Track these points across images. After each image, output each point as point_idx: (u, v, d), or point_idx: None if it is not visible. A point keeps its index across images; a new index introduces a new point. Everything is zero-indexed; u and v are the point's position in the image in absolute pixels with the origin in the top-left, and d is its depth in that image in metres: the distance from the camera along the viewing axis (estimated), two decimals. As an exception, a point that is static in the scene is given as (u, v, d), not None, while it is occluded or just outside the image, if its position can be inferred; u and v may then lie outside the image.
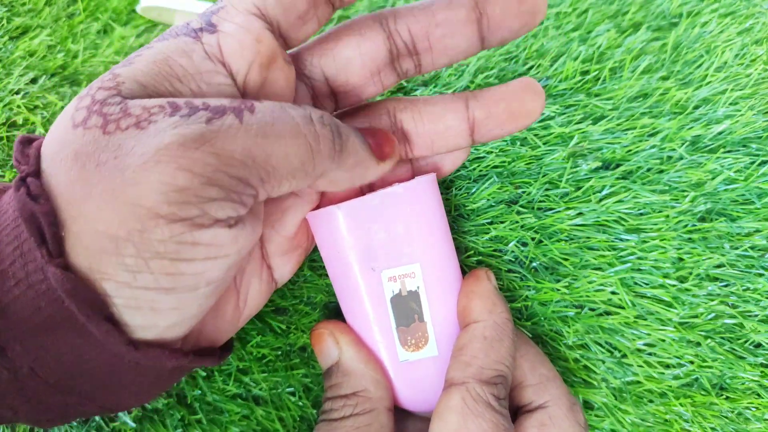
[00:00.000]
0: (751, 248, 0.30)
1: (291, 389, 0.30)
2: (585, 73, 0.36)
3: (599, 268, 0.31)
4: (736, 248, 0.30)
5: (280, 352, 0.30)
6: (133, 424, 0.30)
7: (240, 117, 0.19)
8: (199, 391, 0.30)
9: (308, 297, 0.31)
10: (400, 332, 0.26)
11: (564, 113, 0.34)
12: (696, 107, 0.34)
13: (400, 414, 0.28)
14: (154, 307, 0.19)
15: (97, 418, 0.30)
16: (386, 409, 0.25)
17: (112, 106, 0.19)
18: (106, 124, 0.19)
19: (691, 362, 0.30)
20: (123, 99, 0.19)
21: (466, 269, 0.31)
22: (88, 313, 0.18)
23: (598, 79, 0.35)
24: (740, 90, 0.34)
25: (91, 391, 0.21)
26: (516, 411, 0.27)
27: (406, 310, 0.26)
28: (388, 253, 0.25)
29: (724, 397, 0.30)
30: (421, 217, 0.26)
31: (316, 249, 0.31)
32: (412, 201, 0.25)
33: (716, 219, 0.31)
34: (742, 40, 0.37)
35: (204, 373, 0.30)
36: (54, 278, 0.18)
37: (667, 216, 0.31)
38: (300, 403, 0.30)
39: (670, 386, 0.30)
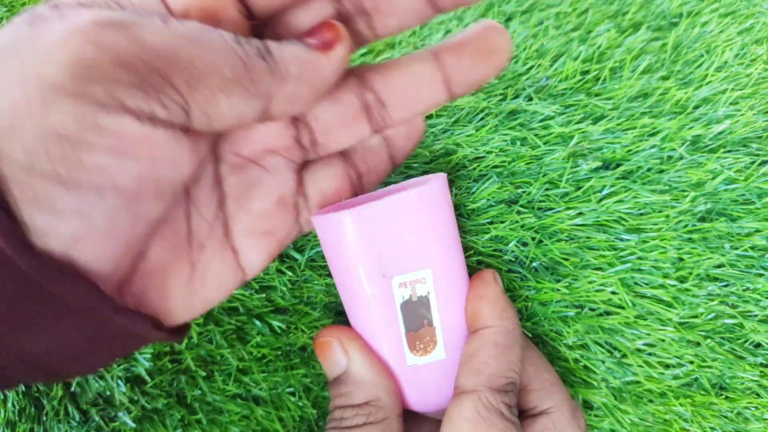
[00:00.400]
0: (751, 248, 0.30)
1: (291, 389, 0.30)
2: (585, 72, 0.36)
3: (599, 268, 0.31)
4: (736, 248, 0.30)
5: (280, 352, 0.30)
6: (133, 424, 0.29)
7: (166, 21, 0.18)
8: (199, 391, 0.30)
9: (308, 297, 0.31)
10: (409, 337, 0.25)
11: (564, 113, 0.34)
12: (696, 107, 0.34)
13: (408, 415, 0.28)
14: (54, 206, 0.17)
15: (96, 418, 0.30)
16: (397, 416, 0.25)
17: (44, 9, 0.18)
18: (33, 20, 0.18)
19: (691, 362, 0.30)
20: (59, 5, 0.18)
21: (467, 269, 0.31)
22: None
23: (599, 78, 0.35)
24: (740, 90, 0.34)
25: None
26: (519, 415, 0.27)
27: (416, 315, 0.25)
28: (398, 258, 0.25)
29: (723, 396, 0.30)
30: (432, 221, 0.25)
31: (314, 248, 0.31)
32: (424, 204, 0.25)
33: (716, 219, 0.31)
34: (742, 40, 0.37)
35: (204, 373, 0.30)
36: (23, 260, 0.16)
37: (668, 216, 0.31)
38: (300, 403, 0.30)
39: (670, 386, 0.30)
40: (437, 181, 0.25)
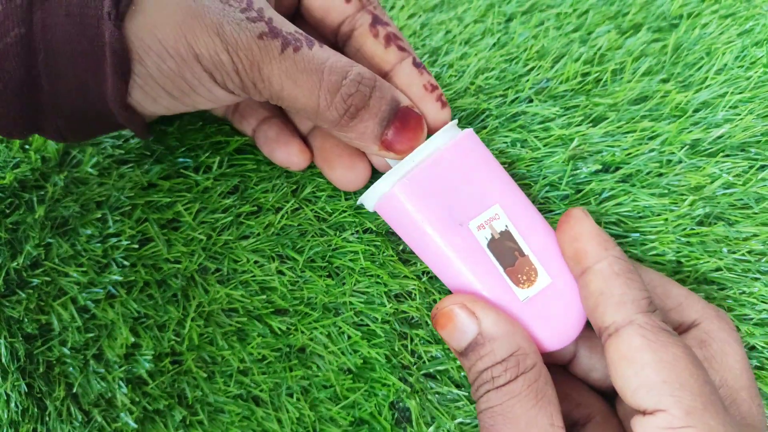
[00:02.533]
0: (749, 252, 0.31)
1: (289, 391, 0.30)
2: (586, 74, 0.36)
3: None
4: (734, 252, 0.31)
5: (280, 353, 0.31)
6: (135, 425, 0.30)
7: (284, 48, 0.24)
8: (200, 392, 0.30)
9: (308, 298, 0.31)
10: (510, 273, 0.26)
11: (564, 115, 0.34)
12: (696, 110, 0.34)
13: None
14: (156, 100, 0.26)
15: (99, 418, 0.30)
16: (541, 359, 0.25)
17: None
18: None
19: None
20: None
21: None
22: (117, 74, 0.24)
23: (599, 81, 0.35)
24: (740, 93, 0.34)
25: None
26: None
27: (505, 250, 0.26)
28: (465, 206, 0.26)
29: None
30: (478, 164, 0.26)
31: (313, 248, 0.31)
32: (462, 155, 0.26)
33: (715, 223, 0.31)
34: (742, 42, 0.37)
35: (205, 374, 0.30)
36: (109, 32, 0.23)
37: (666, 219, 0.31)
38: (298, 405, 0.30)
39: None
40: (465, 134, 0.27)
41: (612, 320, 0.23)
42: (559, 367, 0.30)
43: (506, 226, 0.26)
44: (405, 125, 0.25)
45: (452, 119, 0.29)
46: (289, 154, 0.30)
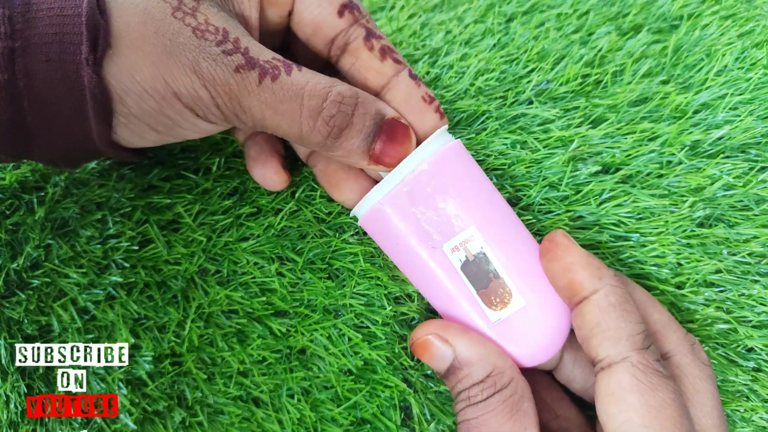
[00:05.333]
0: (749, 254, 0.31)
1: (290, 392, 0.30)
2: (586, 76, 0.35)
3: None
4: (734, 254, 0.31)
5: (280, 355, 0.31)
6: (134, 426, 0.30)
7: (262, 78, 0.24)
8: (200, 393, 0.30)
9: (308, 300, 0.31)
10: (482, 296, 0.26)
11: (564, 116, 0.34)
12: (696, 112, 0.34)
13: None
14: (142, 136, 0.26)
15: (98, 419, 0.30)
16: (518, 373, 0.25)
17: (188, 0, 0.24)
18: (177, 11, 0.24)
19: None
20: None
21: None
22: (99, 117, 0.25)
23: (599, 82, 0.35)
24: (740, 95, 0.34)
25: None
26: None
27: (480, 272, 0.26)
28: (440, 226, 0.26)
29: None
30: (458, 181, 0.26)
31: (312, 250, 0.31)
32: (443, 169, 0.26)
33: (715, 225, 0.31)
34: (743, 44, 0.37)
35: (204, 376, 0.30)
36: (88, 78, 0.24)
37: (666, 221, 0.31)
38: (299, 406, 0.30)
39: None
40: (448, 147, 0.26)
41: (606, 354, 0.24)
42: (544, 374, 0.30)
43: (481, 248, 0.26)
44: (391, 137, 0.25)
45: (451, 123, 0.29)
46: (264, 175, 0.30)
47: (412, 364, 0.30)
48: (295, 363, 0.31)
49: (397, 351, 0.30)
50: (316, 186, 0.32)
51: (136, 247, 0.31)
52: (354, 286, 0.31)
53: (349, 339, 0.30)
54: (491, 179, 0.33)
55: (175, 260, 0.31)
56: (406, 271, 0.28)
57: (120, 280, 0.31)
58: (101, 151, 0.27)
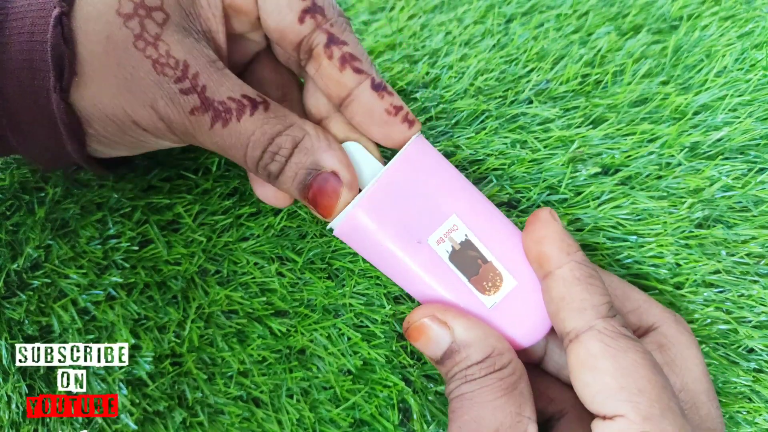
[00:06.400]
0: (747, 255, 0.31)
1: (289, 392, 0.31)
2: (586, 76, 0.36)
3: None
4: (733, 255, 0.31)
5: (279, 355, 0.31)
6: (135, 426, 0.30)
7: (214, 123, 0.24)
8: (200, 394, 0.30)
9: (308, 300, 0.31)
10: (474, 282, 0.26)
11: (564, 116, 0.34)
12: (695, 113, 0.34)
13: None
14: (115, 149, 0.28)
15: (99, 419, 0.30)
16: (516, 356, 0.25)
17: (151, 24, 0.24)
18: (138, 39, 0.24)
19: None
20: (163, 21, 0.24)
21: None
22: (71, 137, 0.26)
23: (599, 82, 0.35)
24: (739, 96, 0.34)
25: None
26: None
27: (468, 260, 0.26)
28: (421, 221, 0.26)
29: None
30: (429, 175, 0.26)
31: (312, 250, 0.31)
32: (412, 166, 0.26)
33: (713, 226, 0.31)
34: (742, 45, 0.37)
35: (205, 376, 0.30)
36: (56, 104, 0.24)
37: (665, 222, 0.31)
38: (298, 407, 0.30)
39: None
40: (414, 142, 0.26)
41: (573, 326, 0.24)
42: (533, 366, 0.30)
43: (466, 235, 0.26)
44: (319, 192, 0.26)
45: (450, 122, 0.29)
46: (266, 194, 0.30)
47: (411, 362, 0.30)
48: (294, 363, 0.31)
49: (395, 349, 0.30)
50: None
51: (136, 248, 0.31)
52: (353, 286, 0.31)
53: (349, 338, 0.30)
54: (491, 180, 0.33)
55: (175, 260, 0.32)
56: (391, 274, 0.27)
57: (120, 280, 0.31)
58: (81, 164, 0.28)
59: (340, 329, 0.31)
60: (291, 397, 0.30)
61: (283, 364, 0.31)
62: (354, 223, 0.26)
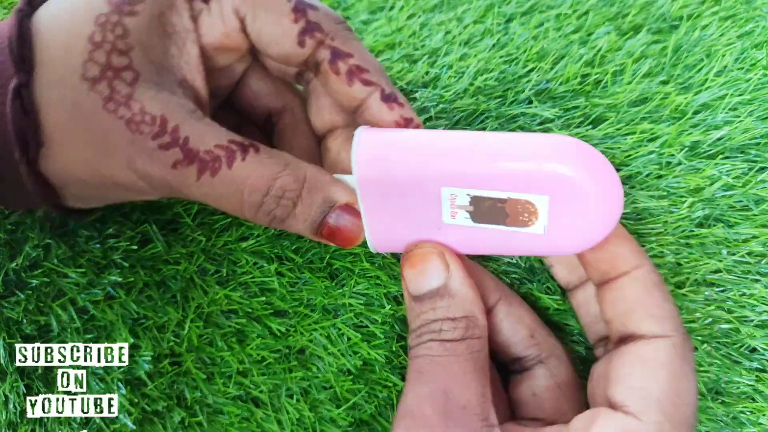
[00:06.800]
0: (748, 254, 0.31)
1: (289, 392, 0.30)
2: (586, 76, 0.35)
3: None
4: (734, 254, 0.31)
5: (279, 355, 0.31)
6: (133, 426, 0.30)
7: (201, 173, 0.23)
8: (199, 393, 0.30)
9: (308, 299, 0.31)
10: (512, 223, 0.24)
11: (564, 116, 0.34)
12: (696, 112, 0.34)
13: None
14: (95, 204, 0.28)
15: (97, 420, 0.30)
16: (487, 338, 0.25)
17: (121, 85, 0.23)
18: (109, 101, 0.23)
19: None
20: (134, 79, 0.23)
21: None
22: (46, 199, 0.25)
23: (599, 82, 0.35)
24: (740, 95, 0.34)
25: None
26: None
27: (489, 211, 0.24)
28: (425, 208, 0.25)
29: (719, 401, 0.30)
30: (394, 164, 0.24)
31: (310, 249, 0.31)
32: (372, 166, 0.24)
33: (714, 225, 0.31)
34: (742, 44, 0.37)
35: (204, 375, 0.30)
36: (25, 175, 0.24)
37: (665, 222, 0.31)
38: (298, 406, 0.30)
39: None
40: (357, 141, 0.25)
41: (648, 330, 0.23)
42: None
43: (468, 194, 0.23)
44: (338, 229, 0.25)
45: (450, 122, 0.29)
46: None
47: (411, 364, 0.30)
48: (294, 363, 0.31)
49: (395, 350, 0.30)
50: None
51: (135, 247, 0.31)
52: (353, 286, 0.31)
53: (349, 338, 0.30)
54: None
55: (175, 260, 0.31)
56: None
57: (119, 279, 0.31)
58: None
59: (339, 329, 0.31)
60: (291, 396, 0.30)
61: (283, 363, 0.30)
62: (379, 246, 0.26)
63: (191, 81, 0.25)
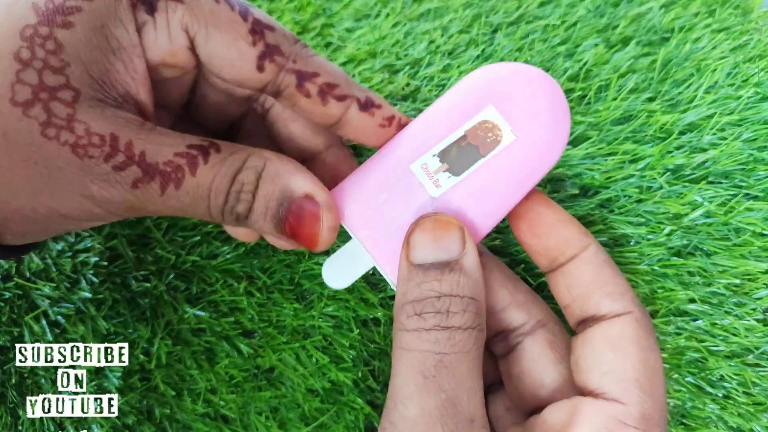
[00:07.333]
0: (725, 286, 0.30)
1: (258, 410, 0.31)
2: (570, 91, 0.34)
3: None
4: (709, 284, 0.30)
5: (248, 374, 0.31)
6: (103, 441, 0.30)
7: (165, 188, 0.21)
8: (169, 410, 0.31)
9: (277, 320, 0.31)
10: (488, 151, 0.24)
11: (545, 134, 0.33)
12: (681, 133, 0.33)
13: None
14: (28, 241, 0.24)
15: (71, 429, 0.30)
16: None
17: (59, 106, 0.20)
18: (47, 127, 0.20)
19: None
20: (74, 98, 0.20)
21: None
22: None
23: (583, 98, 0.34)
24: (729, 114, 0.33)
25: None
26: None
27: (463, 155, 0.24)
28: (412, 193, 0.24)
29: (682, 425, 0.30)
30: (365, 168, 0.25)
31: (279, 271, 0.31)
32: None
33: (691, 255, 0.31)
34: (735, 58, 0.35)
35: (173, 392, 0.31)
36: None
37: (642, 252, 0.30)
38: (267, 424, 0.30)
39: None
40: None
41: (610, 309, 0.23)
42: None
43: (433, 155, 0.24)
44: (298, 223, 0.23)
45: None
46: (236, 233, 0.29)
47: (378, 387, 0.30)
48: (263, 382, 0.31)
49: (364, 374, 0.30)
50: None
51: (106, 263, 0.31)
52: (322, 308, 0.31)
53: (317, 360, 0.30)
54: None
55: (144, 277, 0.31)
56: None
57: (89, 295, 0.31)
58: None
59: (308, 351, 0.30)
60: (260, 414, 0.30)
61: (252, 382, 0.31)
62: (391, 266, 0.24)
63: (135, 95, 0.23)
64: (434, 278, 0.22)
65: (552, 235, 0.24)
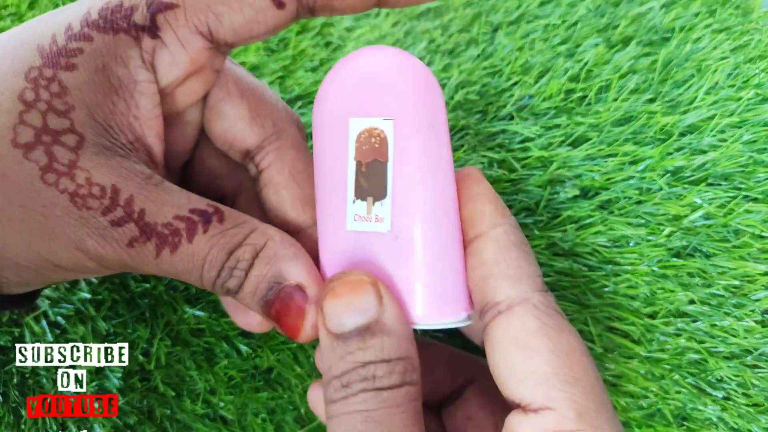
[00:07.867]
0: (724, 288, 0.30)
1: (256, 411, 0.31)
2: (570, 92, 0.34)
3: (573, 301, 0.31)
4: (709, 286, 0.30)
5: (246, 374, 0.31)
6: (104, 441, 0.30)
7: (160, 251, 0.20)
8: (169, 410, 0.31)
9: (277, 320, 0.31)
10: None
11: (545, 135, 0.33)
12: (682, 134, 0.33)
13: None
14: (23, 291, 0.24)
15: (73, 428, 0.30)
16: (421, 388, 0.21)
17: (62, 151, 0.19)
18: (47, 171, 0.19)
19: (655, 394, 0.30)
20: (78, 143, 0.20)
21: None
22: None
23: (583, 98, 0.34)
24: (729, 116, 0.33)
25: None
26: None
27: (375, 175, 0.22)
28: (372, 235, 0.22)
29: (684, 427, 0.30)
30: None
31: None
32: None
33: (691, 256, 0.31)
34: (735, 59, 0.35)
35: (173, 393, 0.31)
36: None
37: (641, 253, 0.30)
38: (264, 426, 0.30)
39: (634, 416, 0.31)
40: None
41: (506, 295, 0.21)
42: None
43: (354, 201, 0.22)
44: (283, 310, 0.21)
45: None
46: (248, 324, 0.26)
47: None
48: (261, 382, 0.31)
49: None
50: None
51: (106, 264, 0.31)
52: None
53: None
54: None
55: (143, 277, 0.31)
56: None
57: (88, 296, 0.31)
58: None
59: (306, 351, 0.31)
60: (257, 416, 0.31)
61: (250, 383, 0.31)
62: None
63: (142, 138, 0.22)
64: (357, 347, 0.20)
65: (467, 207, 0.22)
